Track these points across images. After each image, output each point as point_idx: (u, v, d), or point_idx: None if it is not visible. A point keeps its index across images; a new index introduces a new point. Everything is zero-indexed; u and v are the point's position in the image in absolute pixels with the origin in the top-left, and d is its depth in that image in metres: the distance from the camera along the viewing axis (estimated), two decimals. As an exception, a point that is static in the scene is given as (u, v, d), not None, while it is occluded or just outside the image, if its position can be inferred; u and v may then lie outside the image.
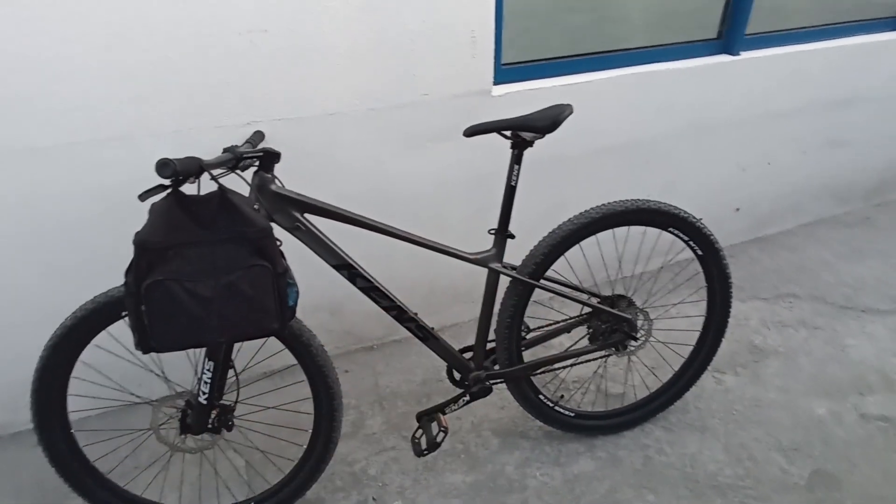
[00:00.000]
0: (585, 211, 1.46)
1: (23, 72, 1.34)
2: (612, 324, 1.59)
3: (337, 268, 1.33)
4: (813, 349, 2.04)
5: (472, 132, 1.35)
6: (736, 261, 2.48)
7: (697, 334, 1.73)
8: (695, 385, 1.77)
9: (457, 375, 1.57)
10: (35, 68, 1.34)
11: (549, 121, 1.30)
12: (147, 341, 1.05)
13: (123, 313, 1.23)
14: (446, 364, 1.55)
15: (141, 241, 1.00)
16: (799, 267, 2.49)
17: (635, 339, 1.61)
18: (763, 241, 2.67)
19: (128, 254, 1.03)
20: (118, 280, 1.16)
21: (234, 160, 1.13)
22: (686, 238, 1.55)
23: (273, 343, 1.32)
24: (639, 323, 1.60)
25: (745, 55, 2.20)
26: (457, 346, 1.53)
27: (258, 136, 1.52)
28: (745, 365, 1.98)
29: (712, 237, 1.56)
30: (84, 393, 1.38)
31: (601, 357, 1.66)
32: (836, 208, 2.84)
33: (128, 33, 1.37)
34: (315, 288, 1.51)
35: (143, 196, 0.97)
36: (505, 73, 1.86)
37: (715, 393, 1.87)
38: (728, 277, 1.62)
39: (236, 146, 1.35)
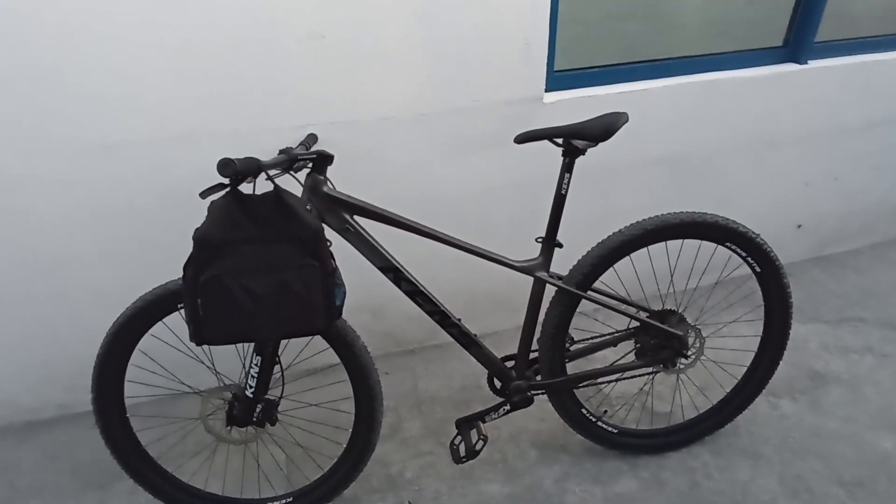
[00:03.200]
0: (639, 222, 1.42)
1: (99, 74, 1.42)
2: (662, 340, 1.53)
3: (383, 270, 1.34)
4: (881, 378, 1.91)
5: (523, 139, 1.34)
6: (796, 280, 2.33)
7: (752, 355, 1.65)
8: (748, 409, 1.69)
9: (497, 384, 1.55)
10: (110, 71, 1.43)
11: (602, 129, 1.28)
12: (201, 333, 1.08)
13: (180, 305, 1.29)
14: (487, 372, 1.53)
15: (200, 237, 1.04)
16: (866, 290, 2.33)
17: (685, 356, 1.54)
18: (827, 260, 2.52)
19: (185, 247, 1.08)
20: (175, 270, 1.21)
21: (289, 162, 1.17)
22: (744, 254, 1.48)
23: (317, 341, 1.34)
24: (690, 340, 1.53)
25: (813, 64, 2.09)
26: (498, 355, 1.52)
27: (312, 138, 1.56)
28: (803, 391, 1.87)
29: (772, 254, 1.49)
30: (138, 379, 1.44)
31: (648, 374, 1.60)
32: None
33: (194, 38, 1.44)
34: (358, 289, 1.53)
35: (204, 194, 1.01)
36: (557, 79, 1.84)
37: (770, 419, 1.77)
38: (788, 297, 1.54)
39: (291, 148, 1.38)
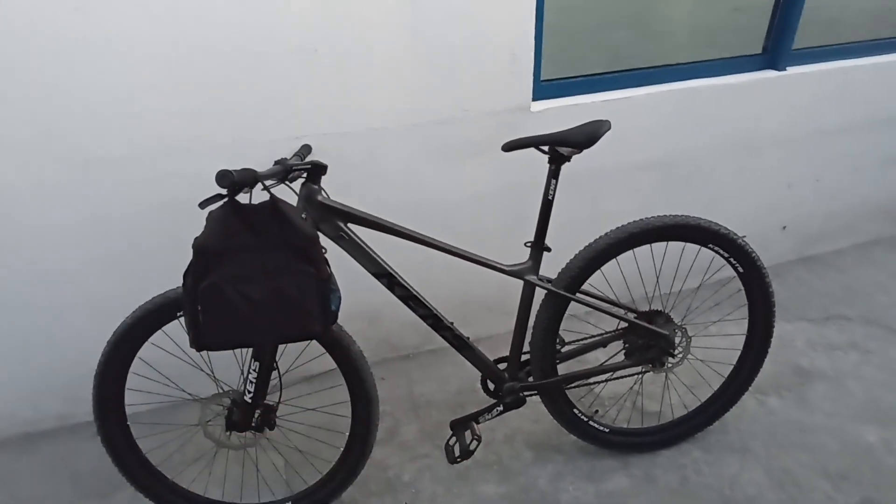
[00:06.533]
0: (623, 225, 1.46)
1: (96, 87, 1.46)
2: (649, 340, 1.57)
3: (376, 276, 1.38)
4: (864, 374, 1.96)
5: (510, 147, 1.39)
6: (782, 280, 2.40)
7: (738, 353, 1.69)
8: (735, 406, 1.73)
9: (491, 386, 1.59)
10: (107, 85, 1.47)
11: (586, 136, 1.33)
12: (201, 340, 1.12)
13: (179, 313, 1.32)
14: (481, 374, 1.57)
15: (200, 246, 1.08)
16: (850, 288, 2.39)
17: (672, 355, 1.59)
18: (812, 260, 2.58)
19: (182, 256, 1.11)
20: (173, 280, 1.24)
21: (284, 172, 1.21)
22: (726, 255, 1.53)
23: (314, 347, 1.38)
24: (676, 339, 1.58)
25: (791, 70, 2.16)
26: (491, 357, 1.55)
27: (306, 149, 1.60)
28: (789, 387, 1.91)
29: (754, 254, 1.54)
30: (139, 388, 1.46)
31: (637, 373, 1.64)
32: (894, 229, 2.72)
33: (190, 52, 1.48)
34: (355, 296, 1.57)
35: (203, 204, 1.05)
36: (544, 88, 1.89)
37: (757, 415, 1.81)
38: (771, 296, 1.59)
39: (286, 159, 1.43)
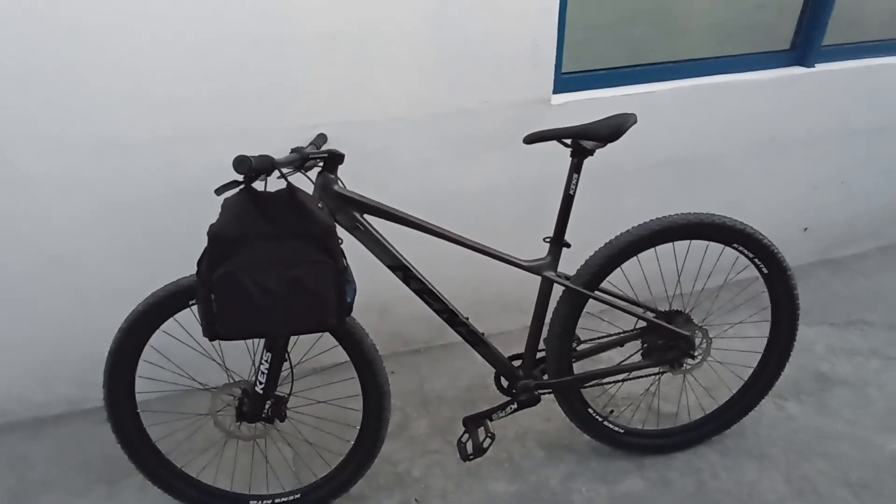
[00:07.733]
0: (646, 223, 1.43)
1: (113, 72, 1.45)
2: (668, 340, 1.54)
3: (392, 268, 1.36)
4: (887, 381, 1.90)
5: (532, 139, 1.35)
6: (802, 283, 2.31)
7: (759, 356, 1.65)
8: (754, 410, 1.69)
9: (504, 383, 1.56)
10: (124, 69, 1.45)
11: (611, 130, 1.29)
12: (214, 328, 1.10)
13: (191, 302, 1.30)
14: (494, 371, 1.54)
15: (215, 233, 1.05)
16: (874, 293, 2.33)
17: (692, 357, 1.55)
18: (834, 263, 2.52)
19: (196, 244, 1.09)
20: (186, 267, 1.22)
21: (302, 160, 1.18)
22: (751, 255, 1.49)
23: (326, 339, 1.35)
24: (696, 341, 1.54)
25: (820, 67, 2.09)
26: (505, 354, 1.52)
27: (321, 138, 1.57)
28: (810, 393, 1.87)
29: (780, 255, 1.49)
30: (149, 376, 1.45)
31: (655, 374, 1.61)
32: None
33: (207, 38, 1.46)
34: (366, 288, 1.55)
35: (220, 190, 1.02)
36: (565, 82, 1.85)
37: (776, 420, 1.77)
38: (795, 298, 1.55)
39: (302, 147, 1.40)
